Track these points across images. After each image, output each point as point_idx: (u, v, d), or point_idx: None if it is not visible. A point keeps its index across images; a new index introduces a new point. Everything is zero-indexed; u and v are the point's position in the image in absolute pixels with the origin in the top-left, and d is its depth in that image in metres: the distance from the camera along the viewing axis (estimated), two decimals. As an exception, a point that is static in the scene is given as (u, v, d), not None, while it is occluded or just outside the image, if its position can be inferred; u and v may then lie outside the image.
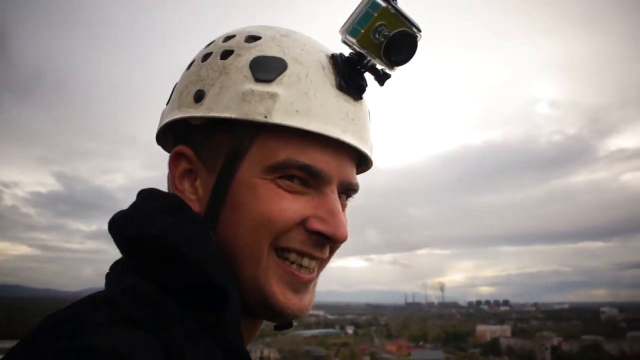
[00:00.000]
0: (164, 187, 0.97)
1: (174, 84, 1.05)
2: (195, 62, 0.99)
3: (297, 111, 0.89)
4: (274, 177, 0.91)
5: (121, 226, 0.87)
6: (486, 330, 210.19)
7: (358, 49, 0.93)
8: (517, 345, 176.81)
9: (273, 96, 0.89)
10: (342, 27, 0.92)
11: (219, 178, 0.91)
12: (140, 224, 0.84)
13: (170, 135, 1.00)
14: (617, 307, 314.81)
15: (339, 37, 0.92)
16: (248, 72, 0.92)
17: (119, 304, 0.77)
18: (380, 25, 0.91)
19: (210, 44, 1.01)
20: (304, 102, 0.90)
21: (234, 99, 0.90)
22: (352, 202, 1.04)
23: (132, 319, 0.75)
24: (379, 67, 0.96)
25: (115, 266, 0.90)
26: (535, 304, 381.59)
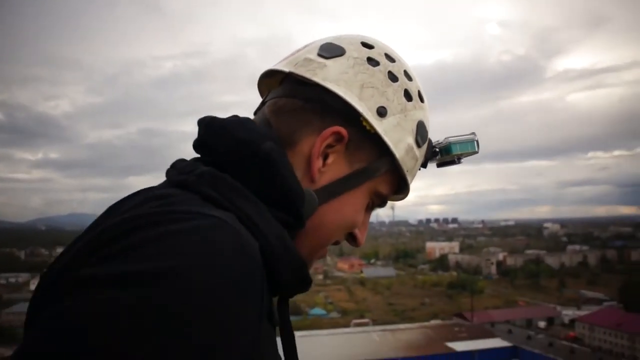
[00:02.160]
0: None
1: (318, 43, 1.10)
2: (380, 67, 1.06)
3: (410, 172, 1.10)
4: (370, 197, 1.09)
5: (231, 130, 0.96)
6: (435, 247, 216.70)
7: (439, 157, 1.18)
8: (464, 260, 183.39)
9: (416, 159, 1.10)
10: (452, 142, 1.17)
11: (350, 176, 1.02)
12: (251, 135, 0.95)
13: (326, 97, 1.02)
14: (559, 222, 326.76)
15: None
16: (414, 131, 1.07)
17: (193, 184, 0.87)
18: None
19: (388, 55, 1.09)
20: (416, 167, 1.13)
21: (401, 142, 1.04)
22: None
23: (209, 197, 0.85)
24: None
25: (177, 164, 0.98)
26: (482, 221, 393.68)
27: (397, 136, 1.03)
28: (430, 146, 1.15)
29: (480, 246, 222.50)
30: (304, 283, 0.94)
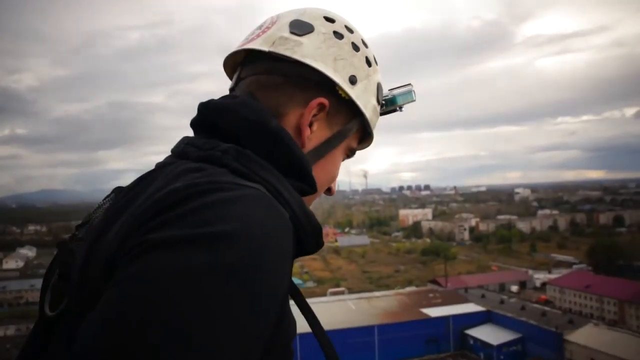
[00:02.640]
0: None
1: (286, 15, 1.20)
2: (345, 39, 1.19)
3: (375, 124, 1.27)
4: (345, 153, 1.25)
5: (241, 111, 1.05)
6: (408, 214, 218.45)
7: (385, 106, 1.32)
8: (437, 227, 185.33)
9: (378, 115, 1.27)
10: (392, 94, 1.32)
11: (331, 139, 1.17)
12: (261, 116, 1.05)
13: (304, 72, 1.12)
14: (529, 188, 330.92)
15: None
16: (375, 92, 1.23)
17: (220, 159, 0.96)
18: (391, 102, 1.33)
19: (348, 27, 1.21)
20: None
21: (369, 105, 1.21)
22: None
23: (237, 170, 0.94)
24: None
25: (194, 142, 1.04)
26: (455, 188, 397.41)
27: (365, 99, 1.19)
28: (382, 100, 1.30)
29: (453, 212, 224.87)
30: (318, 247, 1.03)
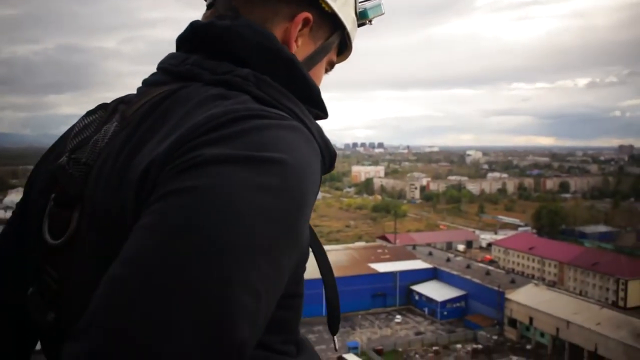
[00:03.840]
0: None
1: None
2: None
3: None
4: (326, 67, 1.26)
5: (253, 37, 1.04)
6: (361, 171, 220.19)
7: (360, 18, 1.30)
8: (389, 184, 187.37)
9: (356, 28, 1.28)
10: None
11: (315, 53, 1.17)
12: (274, 42, 1.05)
13: None
14: (481, 150, 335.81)
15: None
16: (353, 5, 1.24)
17: (239, 85, 0.95)
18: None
19: None
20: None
21: (349, 18, 1.21)
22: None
23: (259, 98, 0.94)
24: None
25: (201, 63, 1.02)
26: (408, 147, 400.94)
27: (345, 12, 1.19)
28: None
29: (405, 171, 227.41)
30: (330, 171, 1.05)
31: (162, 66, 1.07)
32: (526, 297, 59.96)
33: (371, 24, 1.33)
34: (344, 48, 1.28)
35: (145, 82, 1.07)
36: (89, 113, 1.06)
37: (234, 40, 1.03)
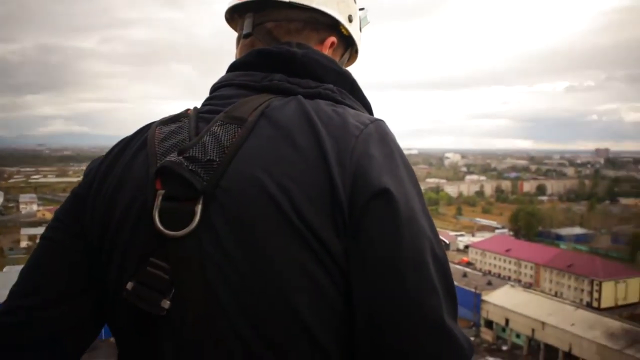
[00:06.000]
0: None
1: None
2: None
3: None
4: None
5: (323, 60, 1.19)
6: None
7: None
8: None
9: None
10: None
11: None
12: (337, 64, 1.22)
13: (318, 17, 1.28)
14: (459, 153, 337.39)
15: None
16: (359, 24, 1.42)
17: (328, 97, 1.12)
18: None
19: None
20: None
21: (358, 35, 1.40)
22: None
23: (348, 106, 1.12)
24: None
25: (286, 79, 1.14)
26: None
27: (357, 33, 1.38)
28: None
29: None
30: None
31: (237, 82, 1.17)
32: (502, 298, 60.35)
33: (360, 32, 1.46)
34: (350, 59, 1.47)
35: (221, 95, 1.16)
36: (165, 122, 1.14)
37: (312, 63, 1.16)
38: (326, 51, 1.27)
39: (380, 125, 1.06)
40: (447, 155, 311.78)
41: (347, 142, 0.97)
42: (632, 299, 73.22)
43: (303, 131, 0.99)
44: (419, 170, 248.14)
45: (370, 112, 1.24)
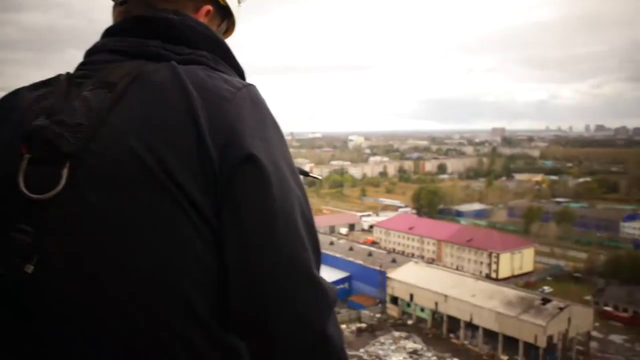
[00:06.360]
0: None
1: None
2: None
3: None
4: None
5: (197, 27, 1.20)
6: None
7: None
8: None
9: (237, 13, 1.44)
10: None
11: None
12: (211, 31, 1.23)
13: None
14: (363, 135, 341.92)
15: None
16: None
17: (202, 62, 1.14)
18: None
19: None
20: None
21: (235, 6, 1.39)
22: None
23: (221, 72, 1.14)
24: None
25: (163, 46, 1.15)
26: (291, 134, 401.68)
27: (234, 4, 1.38)
28: None
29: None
30: None
31: (111, 47, 1.16)
32: (406, 275, 61.88)
33: (240, 5, 1.46)
34: (228, 31, 1.48)
35: (94, 60, 1.15)
36: (35, 87, 1.12)
37: (187, 30, 1.17)
38: (202, 19, 1.27)
39: (252, 89, 1.08)
40: (350, 138, 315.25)
41: (219, 105, 1.00)
42: (527, 268, 77.35)
43: (174, 95, 1.00)
44: (324, 153, 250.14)
45: (243, 77, 1.25)
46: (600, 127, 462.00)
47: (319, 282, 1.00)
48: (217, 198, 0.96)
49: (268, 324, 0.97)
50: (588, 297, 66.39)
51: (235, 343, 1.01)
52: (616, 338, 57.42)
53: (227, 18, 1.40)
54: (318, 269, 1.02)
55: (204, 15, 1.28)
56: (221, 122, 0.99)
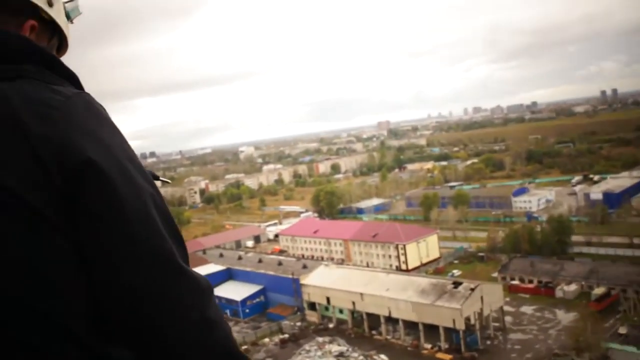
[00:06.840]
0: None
1: None
2: None
3: None
4: None
5: (21, 42, 1.17)
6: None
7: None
8: (167, 193, 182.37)
9: (69, 31, 1.44)
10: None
11: None
12: (33, 44, 1.20)
13: (9, 1, 1.24)
14: (253, 145, 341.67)
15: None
16: (64, 10, 1.40)
17: (33, 75, 1.11)
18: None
19: None
20: None
21: (63, 22, 1.38)
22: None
23: (53, 83, 1.13)
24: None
25: None
26: (180, 152, 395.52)
27: (61, 18, 1.37)
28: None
29: (182, 177, 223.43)
30: None
31: None
32: (319, 279, 62.11)
33: (72, 22, 1.48)
34: (62, 47, 1.47)
35: None
36: None
37: (4, 47, 1.13)
38: (27, 35, 1.24)
39: (84, 96, 1.08)
40: (241, 149, 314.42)
41: (48, 115, 0.99)
42: (433, 255, 79.40)
43: (0, 113, 0.99)
44: (216, 168, 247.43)
45: (79, 85, 1.23)
46: (477, 109, 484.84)
47: (186, 271, 1.01)
48: (68, 209, 0.95)
49: (150, 323, 0.96)
50: (495, 274, 69.16)
51: (120, 353, 0.98)
52: (527, 309, 60.05)
53: (56, 34, 1.38)
54: (184, 259, 1.04)
55: (28, 30, 1.25)
56: (52, 131, 0.97)
